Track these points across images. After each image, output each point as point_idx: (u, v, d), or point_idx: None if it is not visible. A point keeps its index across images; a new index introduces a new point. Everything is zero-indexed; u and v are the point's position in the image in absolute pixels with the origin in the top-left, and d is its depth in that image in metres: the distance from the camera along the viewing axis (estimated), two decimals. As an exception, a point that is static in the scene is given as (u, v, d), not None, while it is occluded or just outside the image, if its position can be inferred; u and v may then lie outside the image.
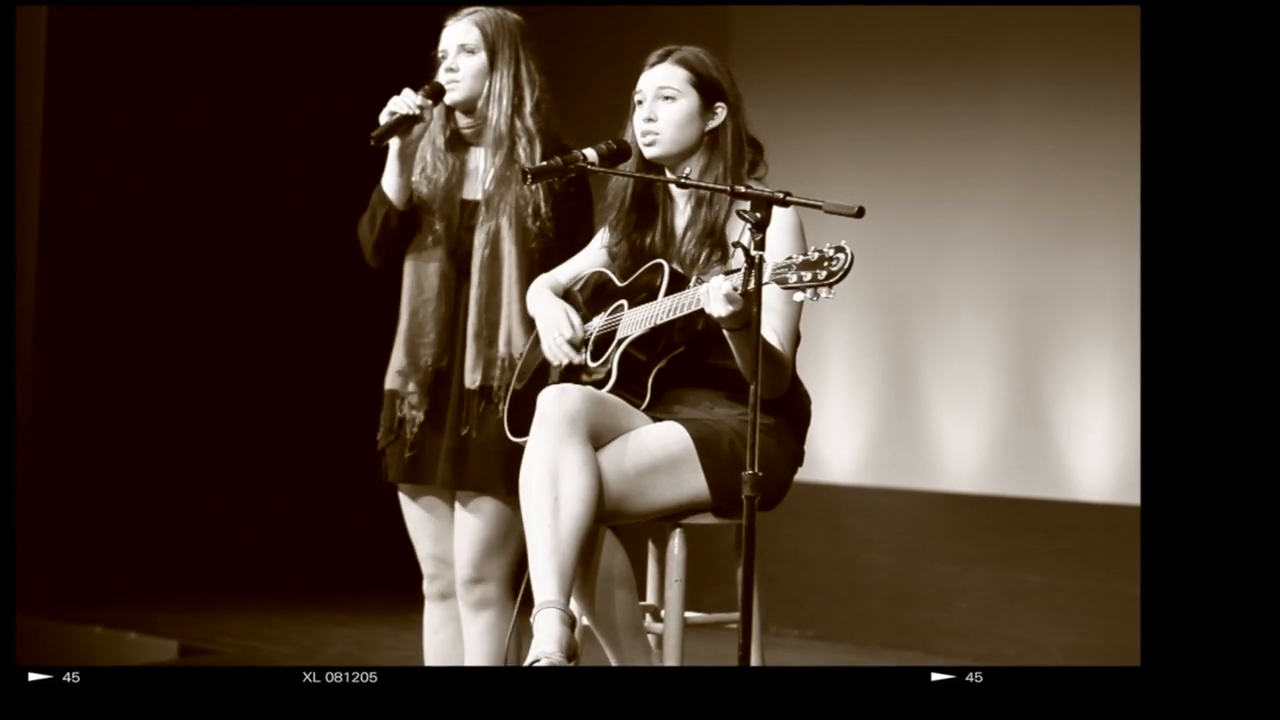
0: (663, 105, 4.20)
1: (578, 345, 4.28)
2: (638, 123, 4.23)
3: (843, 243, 3.65)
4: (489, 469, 4.54)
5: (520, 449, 4.10)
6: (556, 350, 4.28)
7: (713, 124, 4.23)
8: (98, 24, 8.57)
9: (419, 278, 4.67)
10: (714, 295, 3.82)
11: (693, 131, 4.21)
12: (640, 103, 4.24)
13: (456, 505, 4.63)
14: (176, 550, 8.79)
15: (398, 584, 5.25)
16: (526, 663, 3.78)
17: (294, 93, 9.11)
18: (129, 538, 8.69)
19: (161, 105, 8.80)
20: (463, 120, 4.68)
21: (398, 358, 4.70)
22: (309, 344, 9.15)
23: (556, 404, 3.94)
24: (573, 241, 4.54)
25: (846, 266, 3.63)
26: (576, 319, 4.31)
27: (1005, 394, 7.50)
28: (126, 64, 8.70)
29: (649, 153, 4.22)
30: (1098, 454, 7.24)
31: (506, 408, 4.44)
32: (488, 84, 4.62)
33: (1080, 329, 7.32)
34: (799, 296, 3.67)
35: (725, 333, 3.90)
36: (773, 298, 3.90)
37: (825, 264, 3.65)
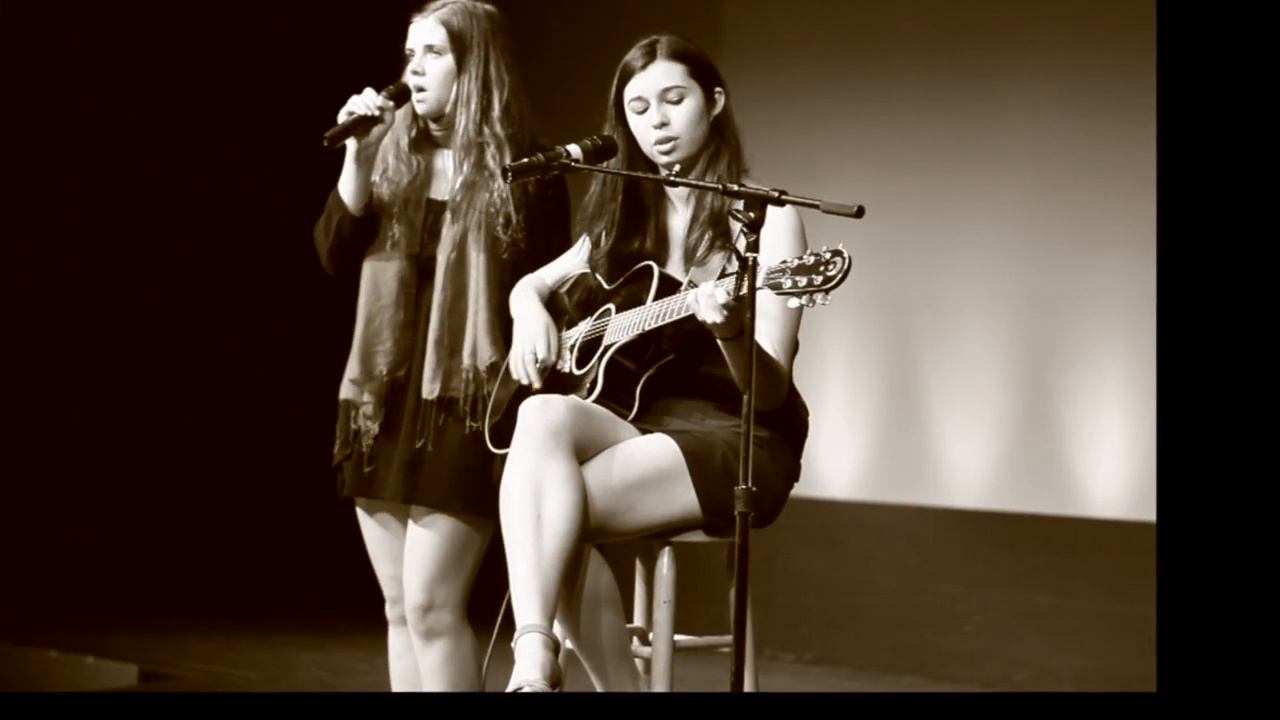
0: (673, 107, 4.19)
1: (544, 371, 4.26)
2: (645, 131, 4.20)
3: (840, 246, 3.66)
4: (444, 484, 4.52)
5: (481, 465, 4.10)
6: (519, 367, 4.28)
7: (716, 112, 4.24)
8: (54, 10, 8.59)
9: (376, 282, 4.66)
10: (705, 302, 3.82)
11: (705, 126, 4.22)
12: (643, 111, 4.22)
13: (409, 523, 4.61)
14: (137, 570, 8.79)
15: (370, 605, 5.24)
16: (508, 690, 3.78)
17: (257, 87, 9.12)
18: (86, 556, 8.69)
19: (118, 98, 8.81)
20: (432, 123, 4.68)
21: (352, 366, 4.68)
22: (272, 356, 9.16)
23: (539, 415, 3.94)
24: (546, 248, 4.54)
25: (844, 271, 3.63)
26: (555, 340, 4.30)
27: (1013, 404, 7.51)
28: (84, 55, 8.72)
29: (668, 160, 4.19)
30: (1111, 467, 7.26)
31: (488, 418, 4.44)
32: (455, 87, 4.61)
33: (1093, 335, 7.33)
34: (794, 303, 3.68)
35: (719, 341, 3.90)
36: (769, 303, 3.90)
37: (821, 268, 3.65)
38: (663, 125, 4.19)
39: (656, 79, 4.20)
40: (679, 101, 4.20)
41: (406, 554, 4.61)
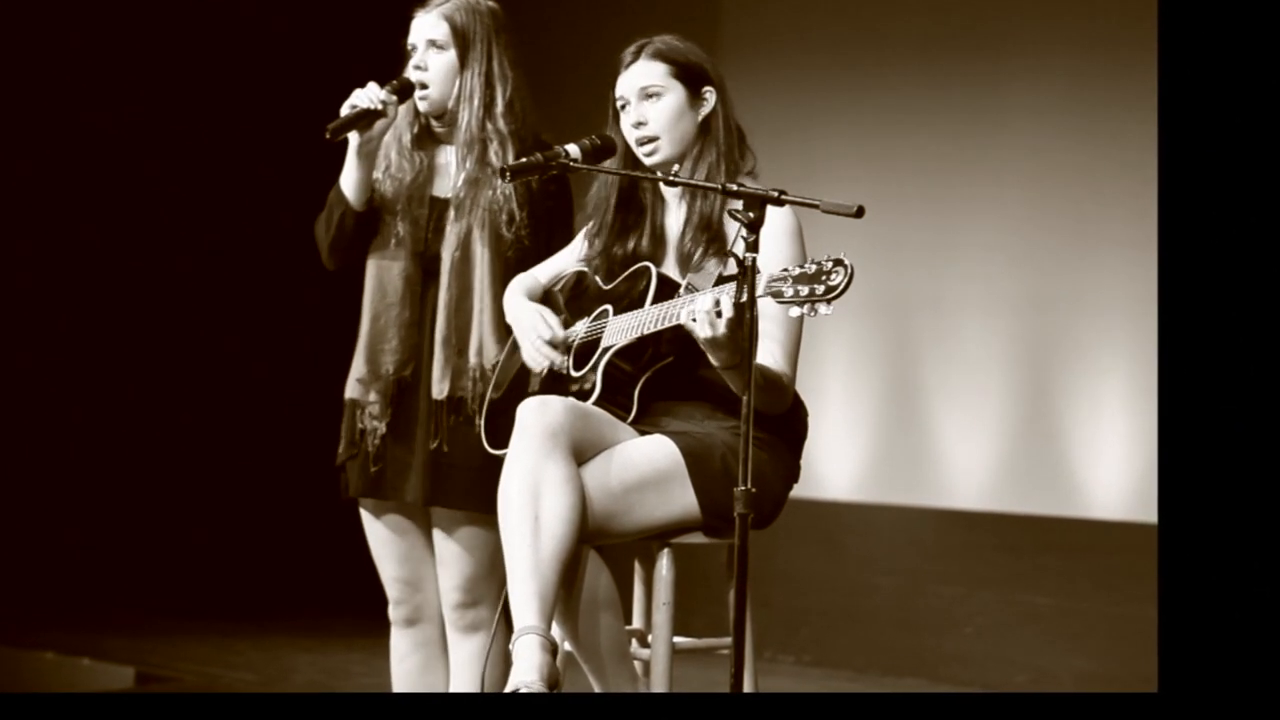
0: (650, 105, 4.20)
1: (559, 345, 4.27)
2: (627, 130, 4.22)
3: (842, 255, 3.65)
4: (470, 484, 4.52)
5: (497, 462, 4.09)
6: (536, 354, 4.27)
7: (704, 111, 4.24)
8: (53, 10, 8.60)
9: (381, 280, 4.65)
10: (704, 318, 3.80)
11: (688, 125, 4.22)
12: (624, 108, 4.24)
13: (438, 527, 4.62)
14: (133, 571, 8.79)
15: (368, 606, 5.25)
16: (506, 692, 3.77)
17: (257, 87, 9.11)
18: (83, 557, 8.69)
19: (118, 98, 8.81)
20: (434, 119, 4.68)
21: (358, 365, 4.68)
22: (271, 356, 9.15)
23: (538, 416, 3.94)
24: (549, 245, 4.54)
25: (846, 281, 3.63)
26: (554, 320, 4.30)
27: (1014, 405, 7.51)
28: (84, 55, 8.72)
29: (650, 161, 4.20)
30: (1112, 468, 7.26)
31: (484, 419, 4.44)
32: (458, 83, 4.61)
33: (1094, 336, 7.33)
34: (795, 312, 3.67)
35: (722, 372, 3.90)
36: (772, 307, 3.90)
37: (823, 278, 3.65)
38: (640, 124, 4.21)
39: (636, 78, 4.22)
40: (656, 101, 4.20)
41: (441, 556, 4.62)
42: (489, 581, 4.60)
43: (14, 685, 7.24)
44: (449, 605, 4.63)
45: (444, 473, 4.55)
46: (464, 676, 4.64)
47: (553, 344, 4.26)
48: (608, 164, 4.24)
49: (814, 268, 3.67)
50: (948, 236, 7.68)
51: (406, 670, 4.77)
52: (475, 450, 4.48)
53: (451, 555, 4.60)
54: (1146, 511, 6.91)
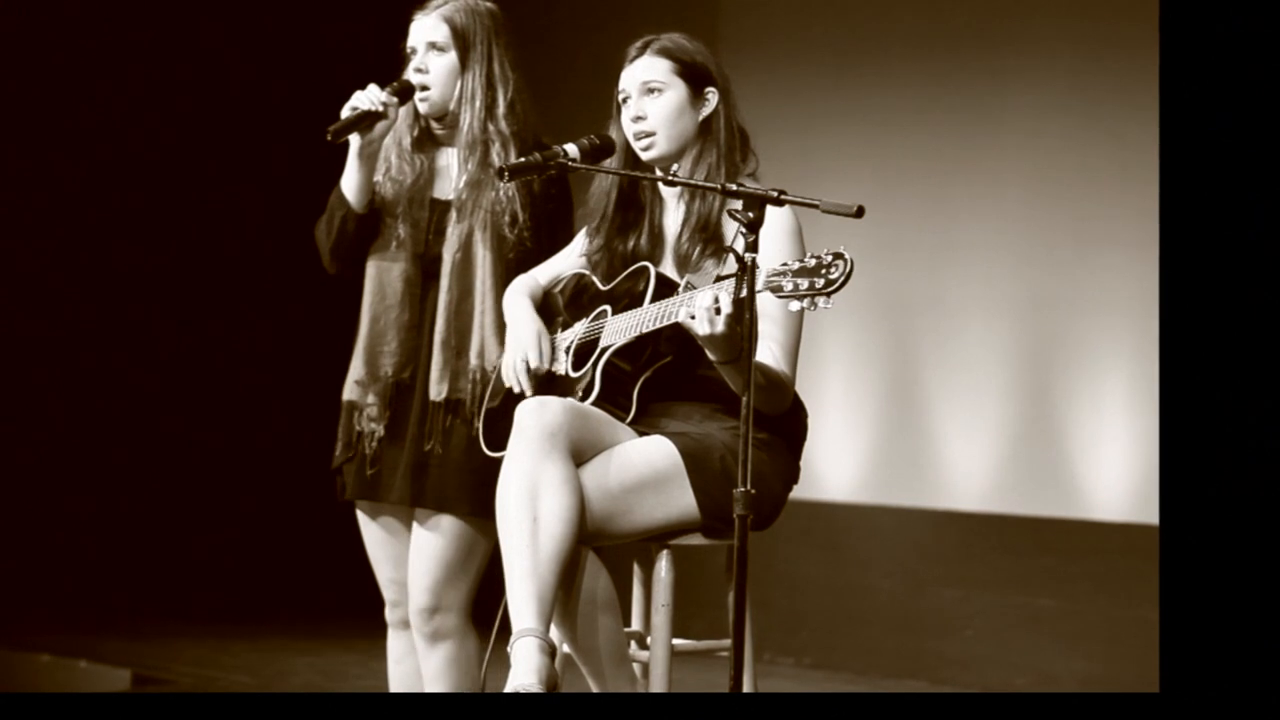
0: (650, 100, 4.20)
1: (539, 379, 4.26)
2: (626, 124, 4.23)
3: (841, 249, 3.65)
4: (450, 486, 4.52)
5: (488, 467, 4.09)
6: (511, 374, 4.28)
7: (705, 111, 4.24)
8: (53, 9, 8.61)
9: (381, 282, 4.65)
10: (703, 315, 3.81)
11: (687, 123, 4.22)
12: (625, 101, 4.24)
13: (414, 525, 4.61)
14: (130, 573, 8.79)
15: (365, 608, 5.24)
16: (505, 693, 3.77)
17: (256, 87, 9.11)
18: (79, 559, 8.68)
19: (118, 98, 8.81)
20: (434, 122, 4.68)
21: (356, 367, 4.68)
22: (266, 360, 9.15)
23: (536, 417, 3.94)
24: (552, 247, 4.54)
25: (846, 274, 3.63)
26: (548, 347, 4.29)
27: (1015, 406, 7.50)
28: (84, 54, 8.72)
29: (646, 157, 4.21)
30: (1113, 470, 7.25)
31: (482, 420, 4.44)
32: (459, 84, 4.62)
33: (1095, 336, 7.33)
34: (795, 306, 3.67)
35: (718, 366, 3.90)
36: (772, 307, 3.90)
37: (823, 271, 3.65)
38: (639, 119, 4.21)
39: (638, 73, 4.22)
40: (656, 97, 4.20)
41: (412, 557, 4.61)
42: (457, 588, 4.58)
43: (10, 686, 7.23)
44: (414, 609, 4.60)
45: (428, 474, 4.54)
46: (436, 688, 4.60)
47: (534, 375, 4.26)
48: (607, 163, 4.24)
49: (813, 261, 3.67)
50: (948, 236, 7.68)
51: (404, 672, 4.77)
52: (468, 452, 4.48)
53: (420, 557, 4.58)
54: (1148, 513, 6.91)
